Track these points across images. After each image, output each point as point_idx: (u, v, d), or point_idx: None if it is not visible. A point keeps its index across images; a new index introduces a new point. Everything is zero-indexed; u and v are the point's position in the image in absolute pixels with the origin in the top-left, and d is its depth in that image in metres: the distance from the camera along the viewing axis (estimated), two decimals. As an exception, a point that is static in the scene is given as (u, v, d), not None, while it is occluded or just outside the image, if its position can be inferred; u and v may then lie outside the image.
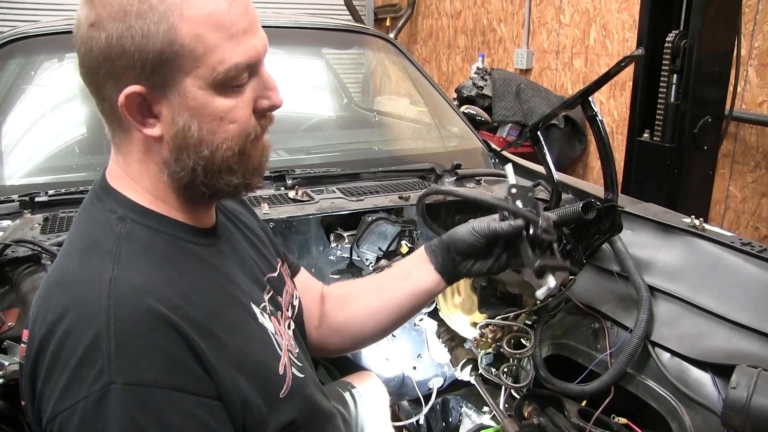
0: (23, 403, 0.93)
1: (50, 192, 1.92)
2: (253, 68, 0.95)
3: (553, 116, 1.92)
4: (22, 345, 0.93)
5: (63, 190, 1.94)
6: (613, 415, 1.48)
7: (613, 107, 4.66)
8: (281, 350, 1.08)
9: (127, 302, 0.85)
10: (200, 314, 0.91)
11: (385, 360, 2.19)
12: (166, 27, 0.86)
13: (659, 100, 3.27)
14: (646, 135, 3.36)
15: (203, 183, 0.97)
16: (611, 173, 1.72)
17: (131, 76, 0.88)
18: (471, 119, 2.99)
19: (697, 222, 1.77)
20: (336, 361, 2.16)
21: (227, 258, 1.08)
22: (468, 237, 1.35)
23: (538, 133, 1.92)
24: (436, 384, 2.23)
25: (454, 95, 5.19)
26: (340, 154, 2.56)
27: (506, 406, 1.86)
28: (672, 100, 3.23)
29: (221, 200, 1.13)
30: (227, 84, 0.91)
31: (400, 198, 2.00)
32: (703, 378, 1.38)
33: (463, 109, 3.12)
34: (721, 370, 1.35)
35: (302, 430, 1.09)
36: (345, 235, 1.97)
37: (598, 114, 1.70)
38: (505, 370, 1.85)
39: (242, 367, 0.95)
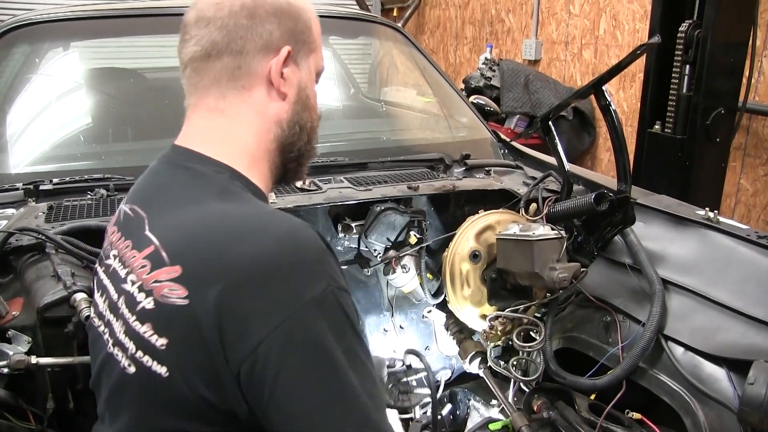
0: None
1: (55, 180, 1.90)
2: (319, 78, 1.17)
3: (565, 106, 1.89)
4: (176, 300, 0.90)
5: (68, 179, 1.92)
6: (627, 410, 1.45)
7: (622, 99, 4.61)
8: None
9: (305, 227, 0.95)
10: None
11: (393, 352, 2.16)
12: (306, 16, 1.10)
13: (671, 92, 3.23)
14: (657, 127, 3.33)
15: (303, 146, 1.12)
16: (624, 164, 1.70)
17: (286, 38, 1.06)
18: (480, 109, 2.96)
19: (711, 214, 1.74)
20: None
21: None
22: None
23: (549, 123, 1.90)
24: (444, 376, 2.21)
25: (462, 86, 5.13)
26: (348, 143, 2.53)
27: (515, 399, 1.84)
28: (684, 91, 3.19)
29: (290, 175, 1.19)
30: (319, 74, 1.15)
31: (409, 188, 1.97)
32: (718, 373, 1.36)
33: (472, 99, 3.08)
34: (737, 366, 1.33)
35: None
36: (353, 225, 1.94)
37: (612, 104, 1.68)
38: (515, 363, 1.83)
39: None
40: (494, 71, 5.01)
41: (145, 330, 0.93)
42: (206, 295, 0.87)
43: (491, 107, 3.15)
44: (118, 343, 0.98)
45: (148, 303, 0.93)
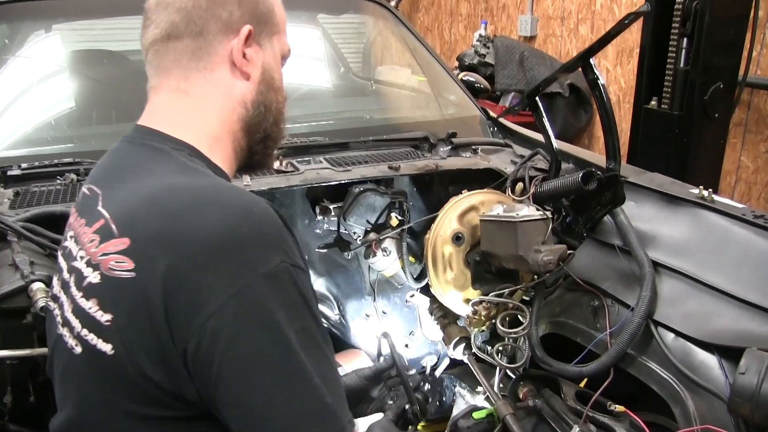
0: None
1: (23, 165, 1.83)
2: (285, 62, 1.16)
3: (551, 80, 1.80)
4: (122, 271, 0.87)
5: (36, 164, 1.85)
6: (609, 403, 1.39)
7: (620, 75, 4.51)
8: None
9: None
10: None
11: (375, 338, 2.10)
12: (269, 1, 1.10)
13: (668, 66, 3.14)
14: (653, 103, 3.24)
15: (269, 127, 1.11)
16: (614, 141, 1.63)
17: (247, 18, 1.05)
18: (470, 87, 2.86)
19: (705, 193, 1.66)
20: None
21: None
22: None
23: (537, 99, 1.82)
24: (429, 362, 2.14)
25: (456, 64, 5.04)
26: (330, 123, 2.44)
27: (501, 386, 1.77)
28: (681, 65, 3.10)
29: (257, 158, 1.17)
30: (284, 57, 1.15)
31: (390, 168, 1.89)
32: (710, 361, 1.29)
33: (461, 76, 2.98)
34: (729, 353, 1.26)
35: None
36: (331, 207, 1.87)
37: (600, 77, 1.60)
38: (500, 348, 1.76)
39: None
40: (489, 48, 4.92)
41: (90, 306, 0.90)
42: (153, 267, 0.83)
43: (482, 84, 3.05)
44: (66, 322, 0.96)
45: (94, 277, 0.90)
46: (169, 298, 0.82)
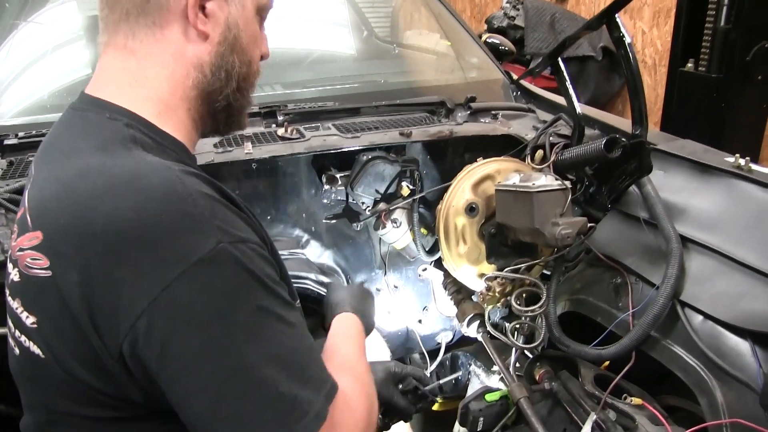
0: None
1: (20, 134, 1.78)
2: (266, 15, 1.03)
3: (574, 39, 1.67)
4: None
5: (34, 132, 1.78)
6: (624, 395, 1.29)
7: (656, 37, 4.29)
8: None
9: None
10: None
11: (387, 313, 2.01)
12: None
13: (706, 26, 2.95)
14: (690, 65, 3.08)
15: (230, 95, 0.98)
16: (640, 105, 1.50)
17: None
18: (494, 49, 2.71)
19: (742, 161, 1.52)
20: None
21: None
22: None
23: (559, 60, 1.69)
24: (444, 338, 2.06)
25: (485, 27, 4.86)
26: (344, 87, 2.33)
27: (518, 365, 1.68)
28: (722, 24, 2.92)
29: (222, 127, 1.06)
30: (262, 11, 1.00)
31: (401, 134, 1.78)
32: (741, 347, 1.19)
33: (485, 38, 2.83)
34: (763, 340, 1.16)
35: None
36: (338, 176, 1.76)
37: (626, 35, 1.46)
38: (517, 326, 1.66)
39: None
40: (518, 10, 4.73)
41: (16, 306, 0.83)
42: (67, 266, 0.75)
43: (506, 47, 2.89)
44: (6, 321, 0.89)
45: (15, 275, 0.83)
46: (90, 300, 0.75)
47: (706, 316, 1.25)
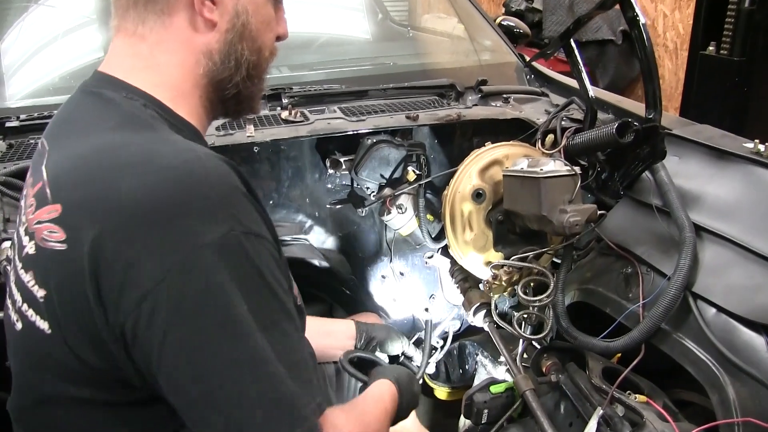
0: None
1: (22, 117, 1.76)
2: None
3: (586, 20, 1.60)
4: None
5: (36, 115, 1.77)
6: (628, 392, 1.24)
7: (677, 20, 4.17)
8: None
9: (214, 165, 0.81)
10: None
11: (393, 300, 1.97)
12: None
13: (729, 7, 2.86)
14: (711, 48, 2.99)
15: (240, 82, 0.97)
16: (654, 88, 1.44)
17: None
18: (508, 32, 2.64)
19: (762, 147, 1.45)
20: (340, 301, 1.96)
21: None
22: None
23: (571, 41, 1.62)
24: (452, 327, 2.01)
25: (503, 10, 4.77)
26: (351, 70, 2.28)
27: (526, 356, 1.63)
28: (746, 5, 2.83)
29: (232, 112, 1.07)
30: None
31: (408, 118, 1.73)
32: (755, 342, 1.13)
33: (499, 20, 2.76)
34: (779, 335, 1.09)
35: None
36: (342, 160, 1.72)
37: (640, 15, 1.39)
38: (525, 316, 1.62)
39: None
40: (536, -7, 4.63)
41: (28, 279, 0.82)
42: (81, 239, 0.74)
43: (521, 29, 2.82)
44: (10, 294, 0.89)
45: (30, 248, 0.82)
46: (98, 276, 0.74)
47: (720, 308, 1.19)
